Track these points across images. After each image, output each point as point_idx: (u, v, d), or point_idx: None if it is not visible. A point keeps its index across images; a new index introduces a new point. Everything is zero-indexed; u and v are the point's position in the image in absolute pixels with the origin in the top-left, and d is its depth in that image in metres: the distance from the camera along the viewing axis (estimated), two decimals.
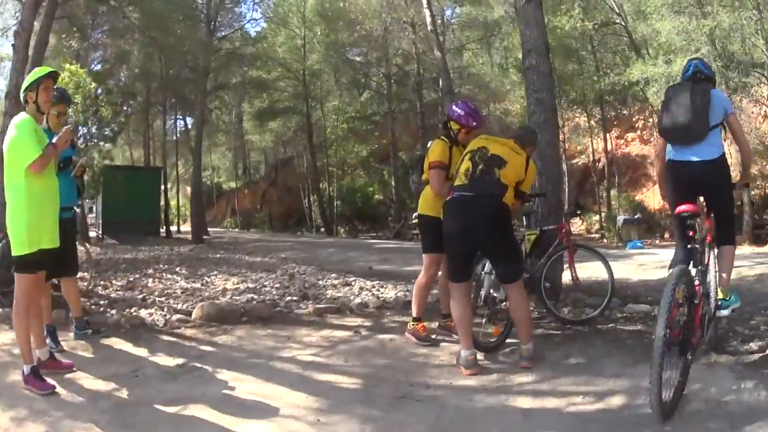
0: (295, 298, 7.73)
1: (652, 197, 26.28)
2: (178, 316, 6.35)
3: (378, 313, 7.00)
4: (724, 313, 4.58)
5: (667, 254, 13.23)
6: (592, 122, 27.98)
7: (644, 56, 20.62)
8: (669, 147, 4.65)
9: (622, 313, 6.56)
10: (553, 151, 7.45)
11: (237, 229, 41.56)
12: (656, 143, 5.30)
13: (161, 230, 26.23)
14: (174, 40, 25.96)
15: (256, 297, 7.71)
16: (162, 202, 27.97)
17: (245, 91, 33.71)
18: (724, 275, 4.54)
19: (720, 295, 4.52)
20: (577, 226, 27.26)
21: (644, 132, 29.20)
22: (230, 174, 52.79)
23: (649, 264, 10.40)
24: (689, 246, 4.15)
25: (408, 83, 32.79)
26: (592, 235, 26.32)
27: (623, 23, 24.00)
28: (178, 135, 37.91)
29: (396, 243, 23.18)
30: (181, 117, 36.03)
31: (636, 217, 23.40)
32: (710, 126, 4.38)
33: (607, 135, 27.91)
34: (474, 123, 5.57)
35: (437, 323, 6.03)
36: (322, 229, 33.57)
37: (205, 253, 15.45)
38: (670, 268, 4.35)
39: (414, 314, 5.71)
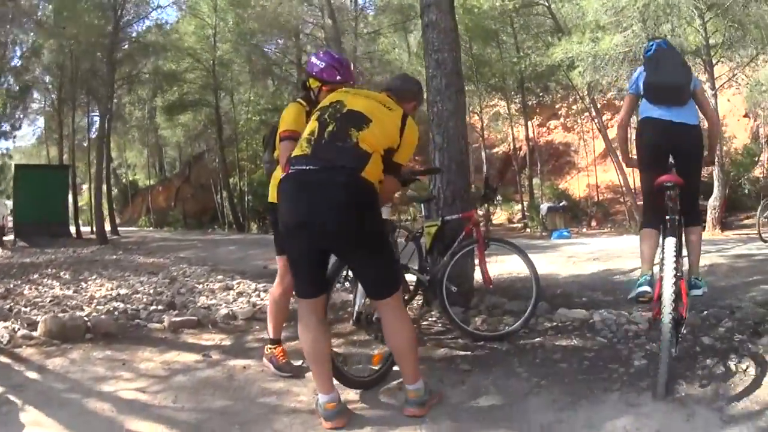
0: (160, 307, 6.68)
1: (577, 185, 26.12)
2: (24, 331, 5.43)
3: (245, 327, 5.75)
4: (698, 292, 4.17)
5: (598, 243, 12.40)
6: (513, 109, 27.33)
7: (569, 37, 19.48)
8: (644, 106, 4.31)
9: (552, 322, 5.07)
10: (457, 122, 5.95)
11: (151, 228, 40.20)
12: (622, 109, 4.77)
13: (72, 231, 24.64)
14: (78, 28, 24.06)
15: (122, 306, 6.72)
16: (72, 202, 26.87)
17: (157, 83, 31.99)
18: (693, 257, 4.23)
19: (693, 274, 4.22)
20: (497, 215, 26.74)
21: (567, 119, 29.10)
22: (147, 172, 51.01)
23: (579, 256, 9.07)
24: (667, 217, 3.82)
25: None
26: (515, 225, 25.67)
27: (547, 4, 22.84)
28: (92, 132, 36.07)
29: None
30: (97, 114, 34.04)
31: (561, 204, 22.54)
32: (689, 95, 4.24)
33: (529, 122, 27.44)
34: (339, 77, 4.17)
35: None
36: (234, 226, 32.21)
37: (102, 255, 14.48)
38: (641, 228, 4.27)
39: (271, 335, 4.40)
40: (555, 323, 5.02)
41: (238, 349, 4.98)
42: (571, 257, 8.92)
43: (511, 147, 28.03)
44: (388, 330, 3.38)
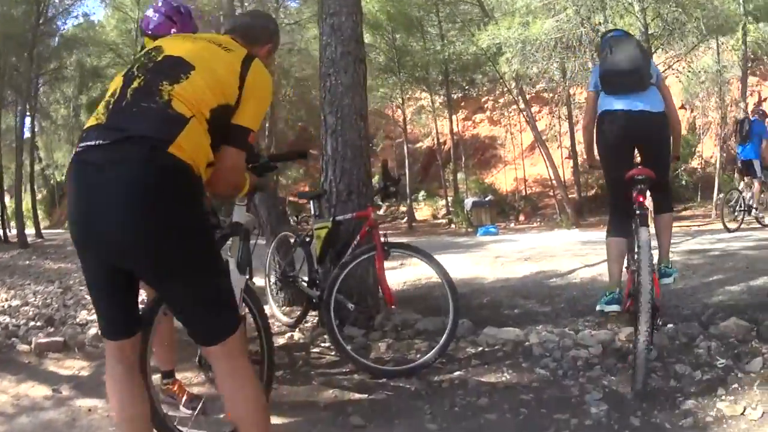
0: (39, 323, 5.96)
1: (504, 179, 25.89)
2: None
3: None
4: (668, 281, 4.09)
5: (528, 240, 11.42)
6: (437, 102, 26.64)
7: (497, 24, 18.68)
8: (602, 100, 4.12)
9: (476, 347, 3.94)
10: (354, 99, 4.84)
11: None
12: (585, 111, 4.51)
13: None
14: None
15: (6, 320, 6.15)
16: None
17: (82, 80, 31.03)
18: (664, 245, 4.15)
19: (663, 263, 4.15)
20: (421, 210, 26.19)
21: (494, 113, 28.94)
22: None
23: (508, 255, 8.02)
24: (638, 212, 3.53)
25: None
26: (439, 221, 25.04)
27: None
28: (25, 133, 35.00)
29: None
30: (29, 114, 32.86)
31: (486, 198, 21.68)
32: (650, 80, 4.03)
33: (454, 116, 26.76)
34: (175, 30, 3.20)
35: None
36: None
37: (16, 261, 13.85)
38: (608, 236, 4.04)
39: None
40: (480, 348, 3.93)
41: (92, 382, 4.06)
42: (499, 257, 7.88)
43: (435, 141, 27.32)
44: (223, 391, 2.13)
